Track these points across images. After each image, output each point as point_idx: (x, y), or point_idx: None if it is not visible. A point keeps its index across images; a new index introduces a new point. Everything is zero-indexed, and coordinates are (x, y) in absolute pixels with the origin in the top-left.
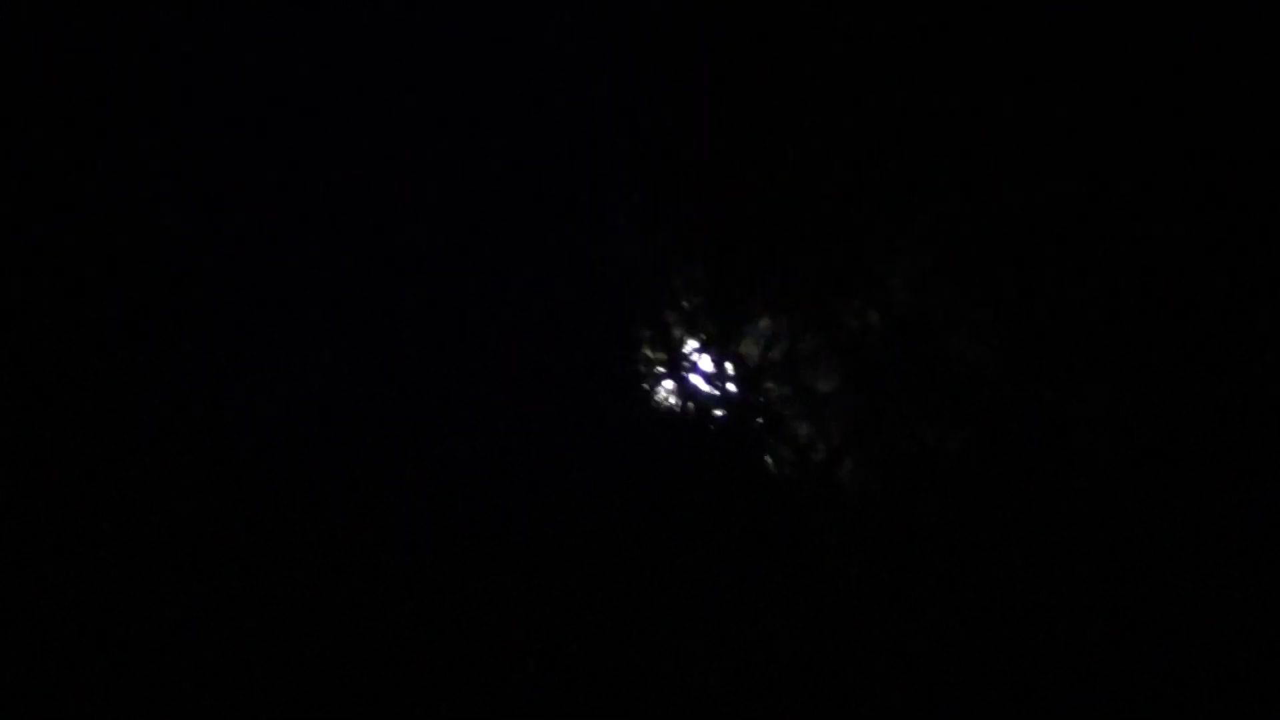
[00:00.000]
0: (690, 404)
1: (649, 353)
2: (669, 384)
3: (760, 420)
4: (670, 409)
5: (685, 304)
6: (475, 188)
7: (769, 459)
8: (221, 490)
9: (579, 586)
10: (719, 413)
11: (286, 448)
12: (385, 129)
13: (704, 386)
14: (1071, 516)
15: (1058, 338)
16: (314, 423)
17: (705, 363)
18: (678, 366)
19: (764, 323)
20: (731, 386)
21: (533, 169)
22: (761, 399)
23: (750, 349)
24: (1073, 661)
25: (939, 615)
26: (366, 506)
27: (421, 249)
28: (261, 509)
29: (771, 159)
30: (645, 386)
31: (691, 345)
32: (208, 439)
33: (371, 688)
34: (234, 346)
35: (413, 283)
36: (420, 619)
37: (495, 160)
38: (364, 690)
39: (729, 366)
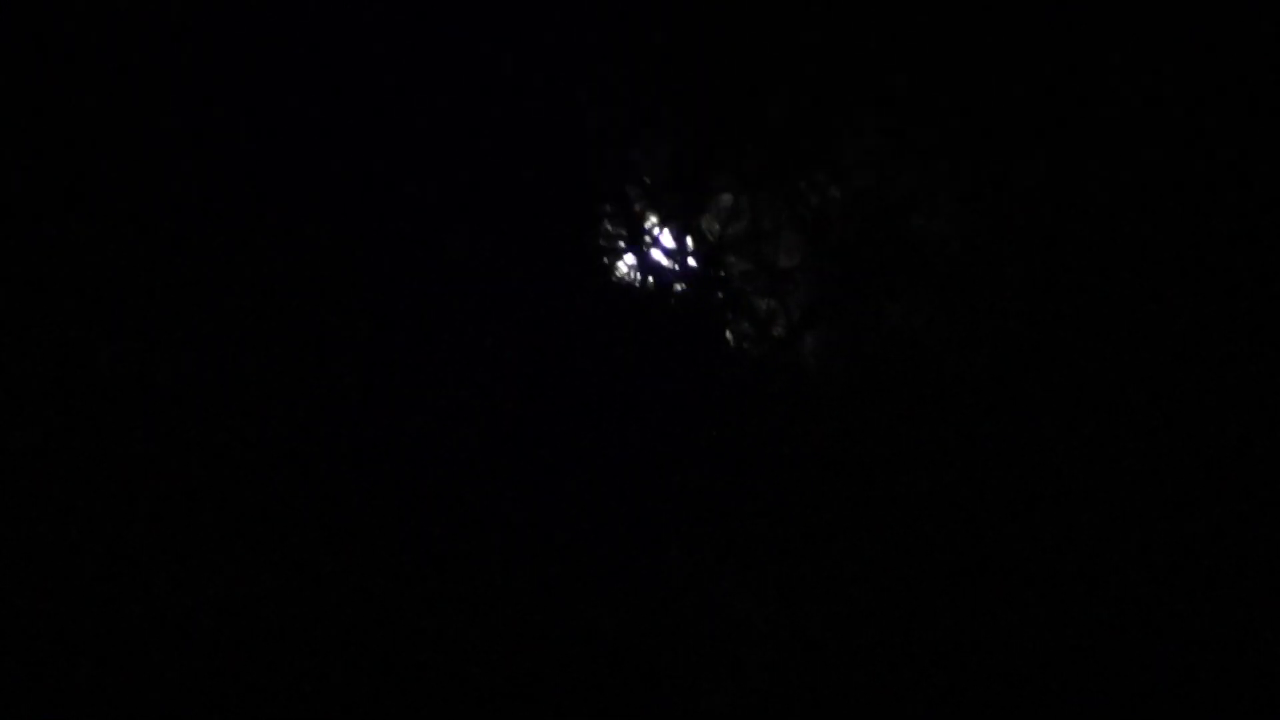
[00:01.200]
0: (650, 279)
1: (609, 227)
2: (629, 258)
3: (721, 295)
4: (631, 283)
5: (646, 179)
6: (435, 62)
7: (729, 334)
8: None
9: (536, 466)
10: (679, 287)
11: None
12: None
13: (665, 261)
14: (1037, 395)
15: (1024, 217)
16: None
17: (666, 238)
18: (638, 241)
19: (725, 198)
20: (692, 261)
21: (495, 41)
22: (722, 274)
23: (711, 224)
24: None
25: (903, 493)
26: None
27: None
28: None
29: (735, 33)
30: (605, 260)
31: (652, 220)
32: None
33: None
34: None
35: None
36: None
37: (455, 35)
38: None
39: (690, 241)
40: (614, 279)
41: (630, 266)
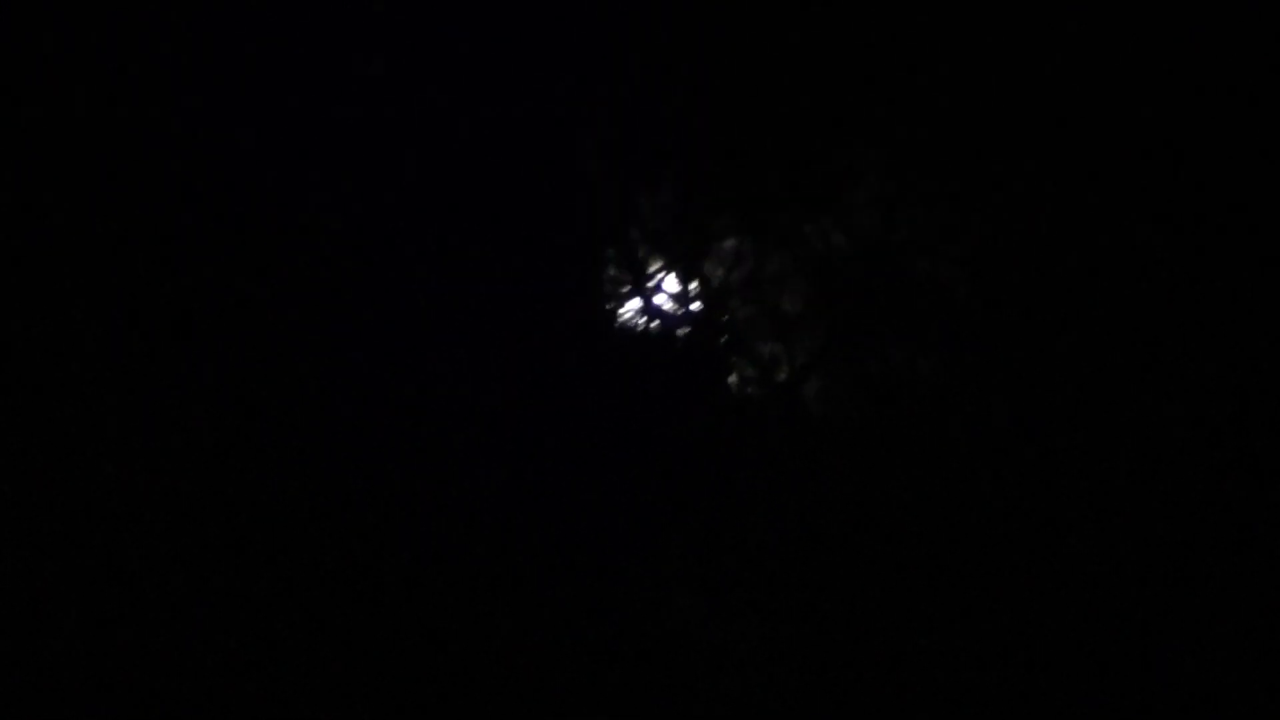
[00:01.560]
0: (654, 323)
1: (614, 272)
2: (633, 303)
3: (724, 339)
4: (634, 328)
5: (650, 223)
6: (440, 103)
7: (733, 378)
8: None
9: (537, 505)
10: (682, 331)
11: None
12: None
13: (668, 305)
14: (1044, 438)
15: (1028, 261)
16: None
17: (670, 282)
18: (642, 286)
19: (729, 243)
20: (695, 306)
21: (498, 87)
22: (726, 318)
23: (715, 269)
24: (1044, 587)
25: (905, 534)
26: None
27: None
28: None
29: (739, 79)
30: (609, 306)
31: (656, 264)
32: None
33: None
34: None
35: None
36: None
37: (460, 76)
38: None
39: (694, 286)
40: (617, 323)
41: (633, 310)
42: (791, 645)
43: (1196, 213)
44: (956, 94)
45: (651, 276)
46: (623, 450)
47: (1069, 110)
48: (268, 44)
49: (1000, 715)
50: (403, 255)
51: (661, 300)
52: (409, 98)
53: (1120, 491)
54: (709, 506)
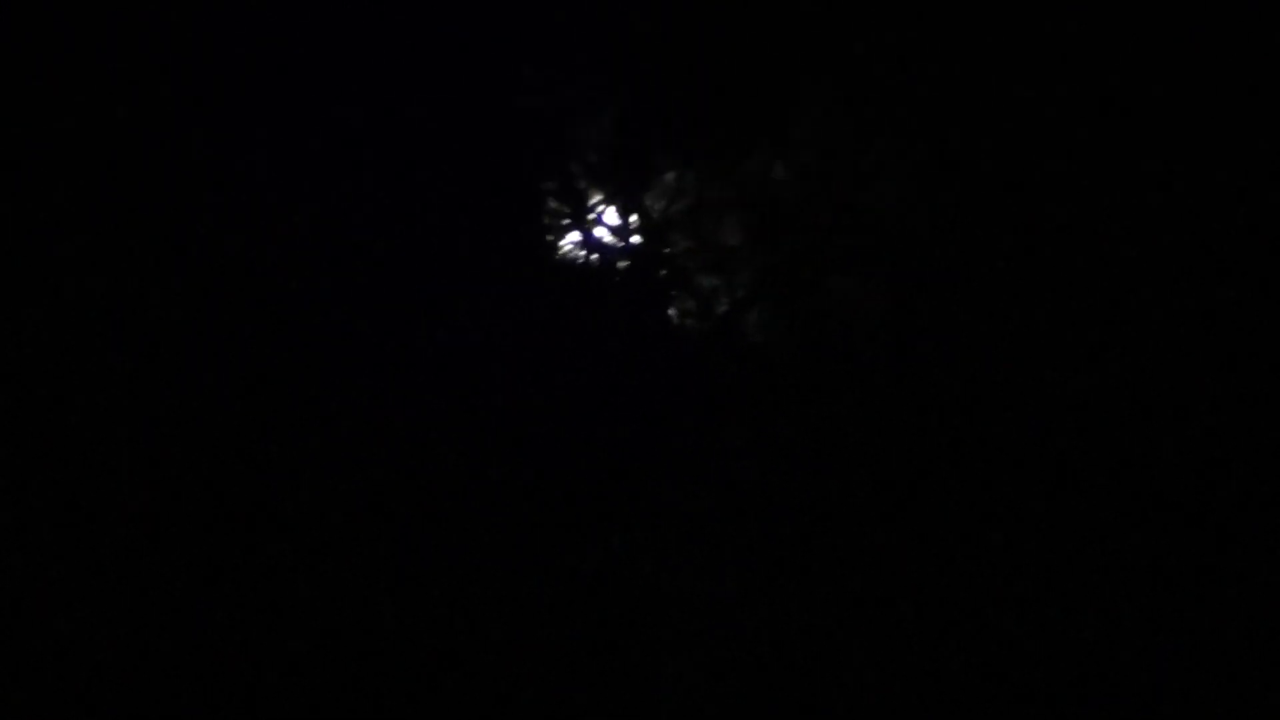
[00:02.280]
0: (595, 256)
1: (554, 204)
2: (574, 236)
3: (664, 272)
4: (575, 260)
5: (590, 157)
6: (380, 39)
7: (672, 311)
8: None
9: (480, 441)
10: (623, 265)
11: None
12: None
13: (609, 239)
14: (985, 372)
15: (966, 191)
16: None
17: (610, 215)
18: (582, 219)
19: (669, 176)
20: (636, 239)
21: (439, 20)
22: (666, 251)
23: (655, 201)
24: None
25: (847, 470)
26: None
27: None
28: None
29: (680, 8)
30: (550, 238)
31: (596, 198)
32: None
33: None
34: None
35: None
36: None
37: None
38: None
39: (634, 219)
40: (558, 256)
41: (574, 244)
42: (735, 581)
43: (1150, 150)
44: (900, 25)
45: (591, 209)
46: (565, 386)
47: (1015, 43)
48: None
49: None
50: (345, 193)
51: (601, 233)
52: (349, 32)
53: (1057, 432)
54: (650, 441)
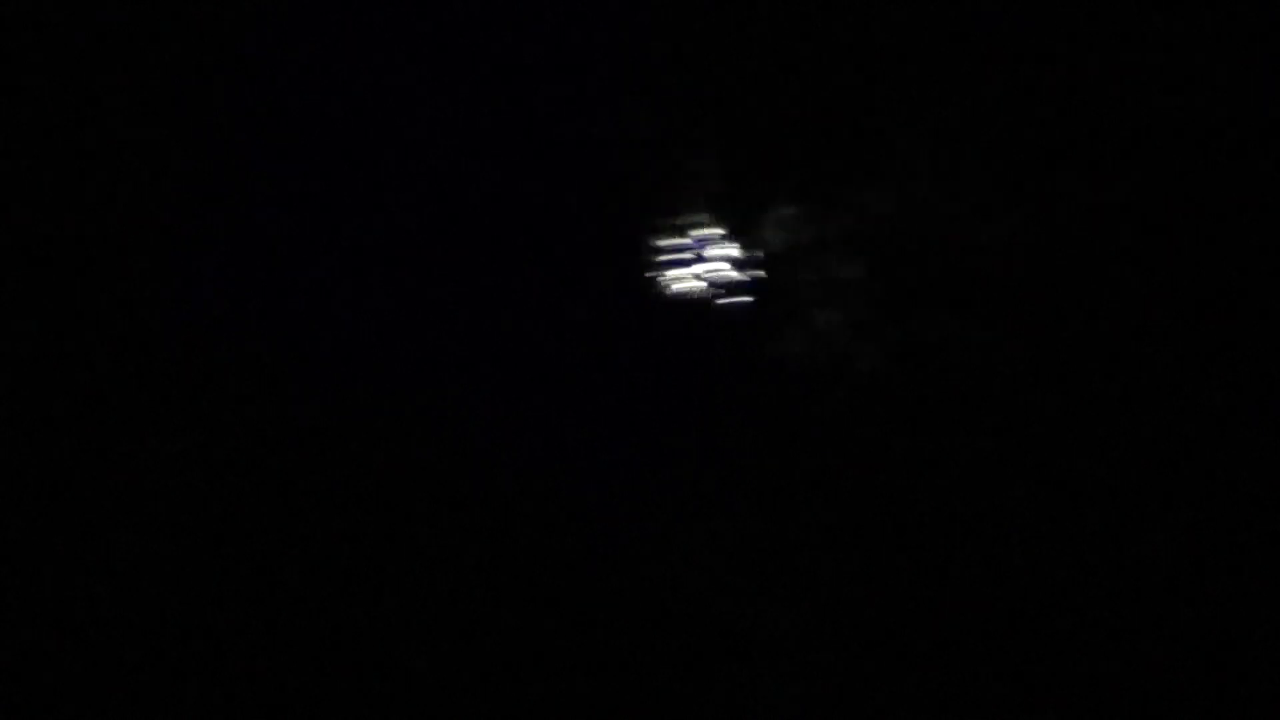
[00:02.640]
0: (711, 290)
1: (669, 239)
2: (689, 269)
3: (781, 307)
4: (690, 294)
5: (706, 190)
6: (491, 82)
7: (790, 345)
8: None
9: (590, 475)
10: (738, 299)
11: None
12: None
13: (726, 272)
14: (1092, 410)
15: (1083, 232)
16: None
17: (727, 249)
18: (699, 253)
19: (786, 210)
20: (753, 273)
21: (549, 61)
22: (782, 286)
23: (772, 236)
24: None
25: (958, 506)
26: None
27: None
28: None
29: (795, 41)
30: (666, 271)
31: (711, 231)
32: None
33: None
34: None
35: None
36: None
37: (511, 55)
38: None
39: (751, 253)
40: (674, 289)
41: (689, 277)
42: (839, 626)
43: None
44: (1008, 69)
45: (707, 242)
46: (681, 420)
47: (1114, 89)
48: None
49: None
50: (466, 222)
51: (718, 267)
52: (456, 76)
53: (1173, 465)
54: (764, 477)
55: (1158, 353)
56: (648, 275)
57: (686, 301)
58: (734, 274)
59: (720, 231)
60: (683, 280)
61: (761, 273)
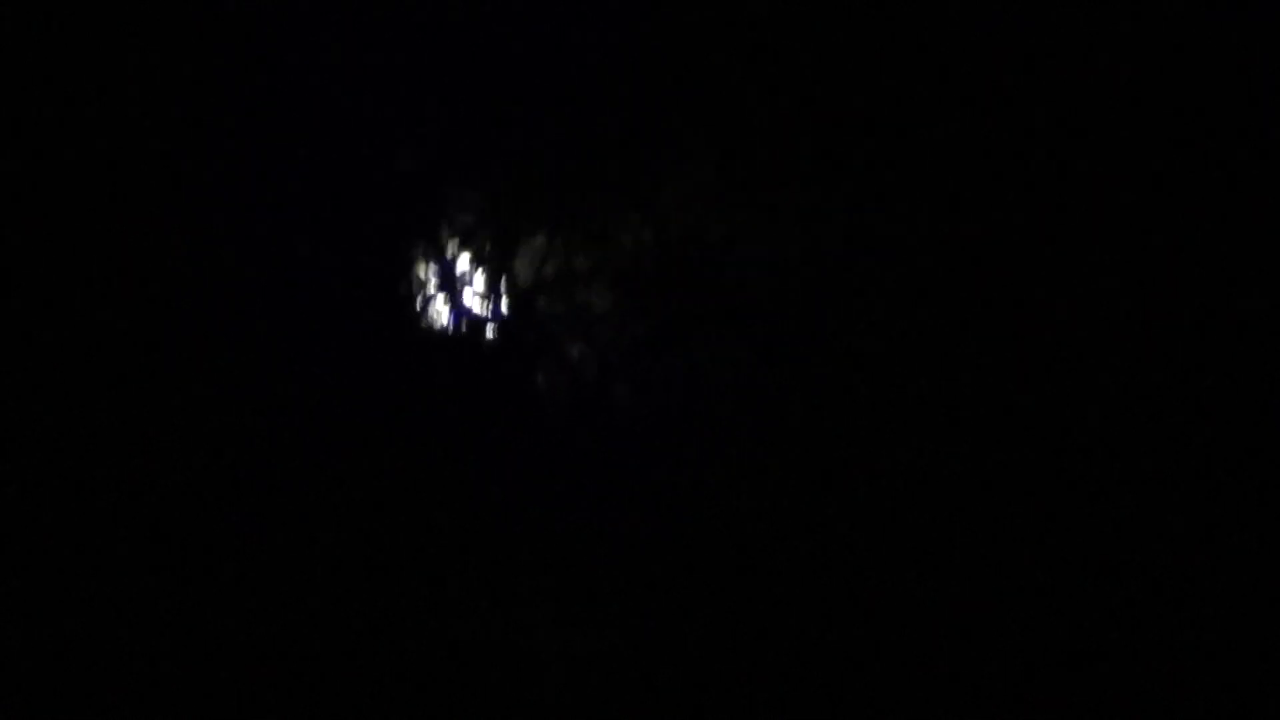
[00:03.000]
0: (463, 321)
1: (421, 270)
2: (440, 300)
3: (532, 338)
4: (442, 327)
5: (459, 220)
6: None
7: (540, 377)
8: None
9: (348, 506)
10: (491, 331)
11: None
12: None
13: (476, 305)
14: (854, 428)
15: (835, 254)
16: None
17: (478, 280)
18: (450, 284)
19: (538, 240)
20: (504, 304)
21: (310, 85)
22: (534, 317)
23: (523, 267)
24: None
25: (717, 532)
26: None
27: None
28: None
29: (547, 76)
30: (418, 304)
31: (464, 261)
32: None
33: None
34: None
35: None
36: None
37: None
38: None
39: (503, 283)
40: (426, 322)
41: (441, 308)
42: (601, 647)
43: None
44: (771, 97)
45: (460, 274)
46: (432, 450)
47: (887, 113)
48: None
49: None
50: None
51: (469, 298)
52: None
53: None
54: (518, 508)
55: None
56: (401, 305)
57: (439, 332)
58: (485, 304)
59: (471, 261)
60: (435, 310)
61: (513, 303)
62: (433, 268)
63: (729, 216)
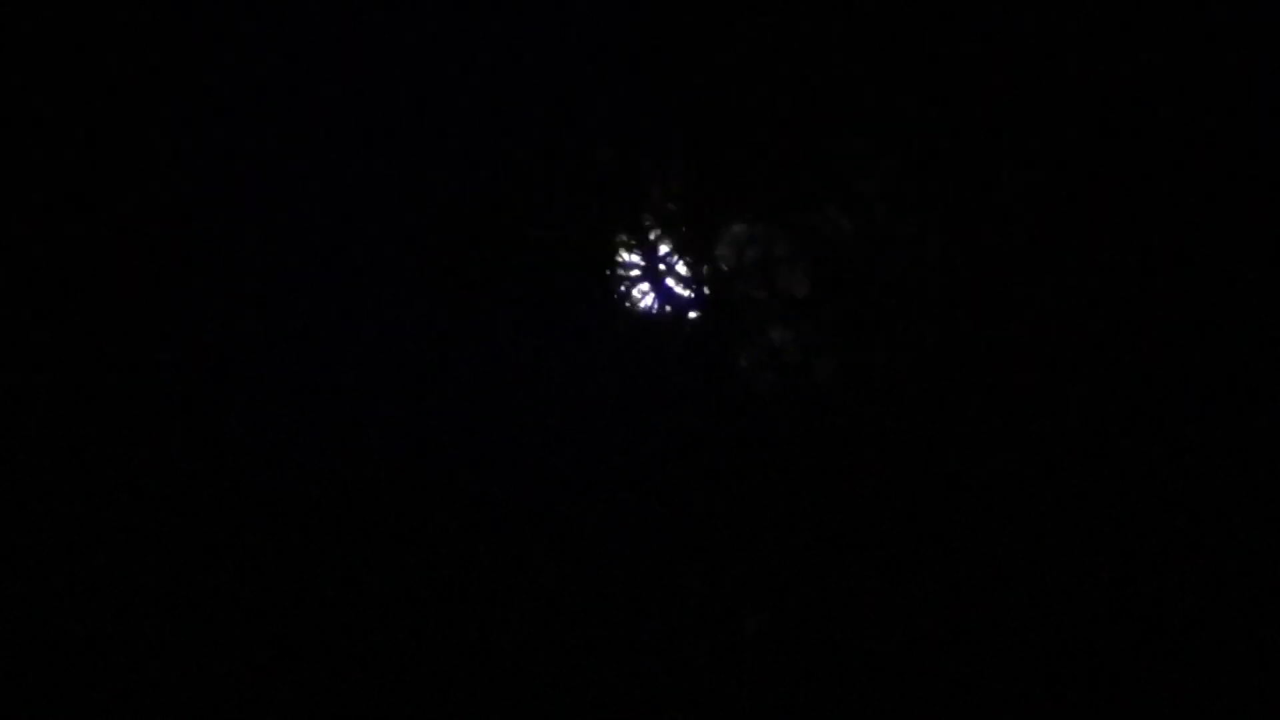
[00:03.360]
0: (667, 307)
1: (626, 256)
2: (645, 287)
3: (735, 323)
4: (647, 311)
5: (662, 209)
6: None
7: (743, 361)
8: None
9: (549, 493)
10: (694, 315)
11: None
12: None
13: (680, 290)
14: (1046, 417)
15: (1028, 242)
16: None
17: (681, 267)
18: (654, 271)
19: (739, 228)
20: (707, 290)
21: (510, 81)
22: (736, 302)
23: (726, 254)
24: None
25: (913, 517)
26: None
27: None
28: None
29: (748, 64)
30: (623, 289)
31: (667, 250)
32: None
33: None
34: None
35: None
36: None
37: (474, 75)
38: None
39: (705, 270)
40: (630, 307)
41: (645, 294)
42: (800, 636)
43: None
44: (964, 90)
45: (663, 261)
46: (636, 434)
47: (1072, 106)
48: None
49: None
50: (419, 246)
51: (673, 284)
52: (418, 90)
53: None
54: (721, 490)
55: (1113, 356)
56: (607, 293)
57: (643, 318)
58: (689, 290)
59: (674, 249)
60: (639, 296)
61: (715, 289)
62: (636, 255)
63: (922, 209)
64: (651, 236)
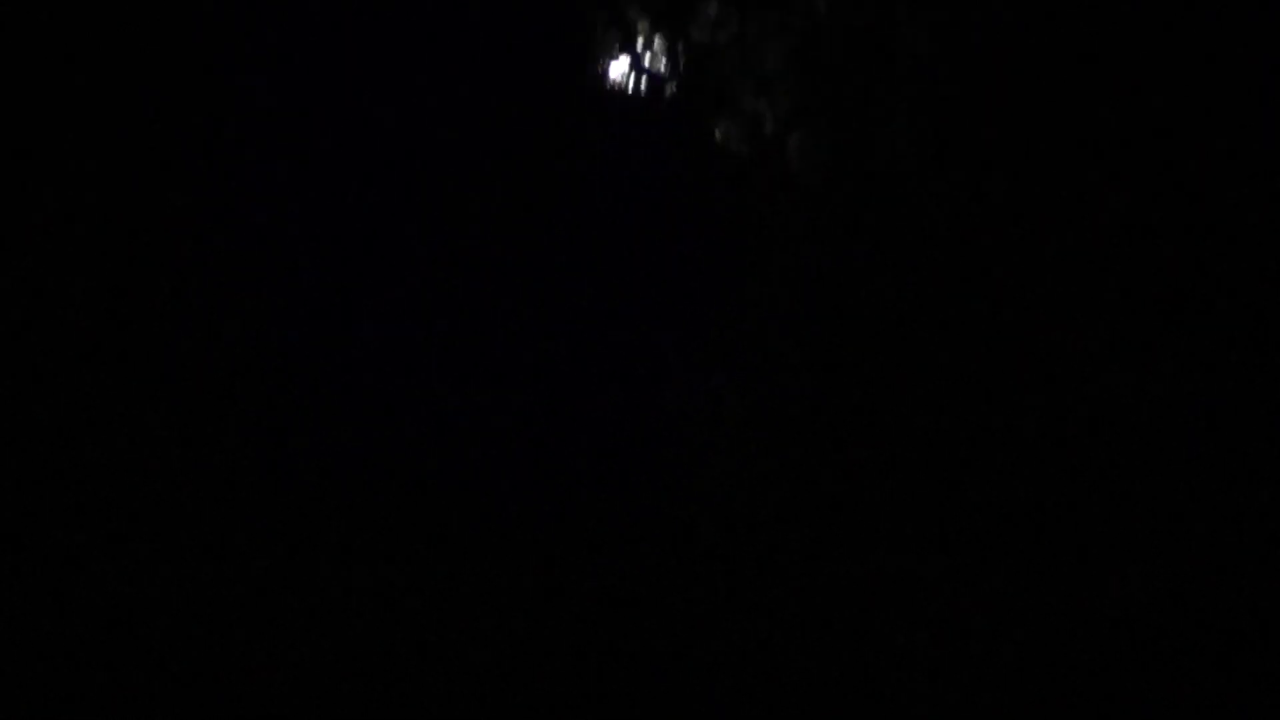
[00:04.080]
0: (643, 80)
1: (601, 31)
2: (622, 60)
3: (710, 95)
4: (623, 84)
5: None
6: None
7: (718, 133)
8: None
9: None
10: (670, 88)
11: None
12: None
13: (656, 65)
14: (1011, 217)
15: (1012, 44)
16: None
17: (657, 42)
18: (631, 44)
19: (713, 6)
20: (682, 64)
21: None
22: (711, 76)
23: (701, 30)
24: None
25: (877, 300)
26: None
27: None
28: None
29: None
30: (599, 62)
31: (643, 24)
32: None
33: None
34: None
35: None
36: None
37: None
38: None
39: (680, 45)
40: (606, 80)
41: (622, 69)
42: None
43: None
44: None
45: (640, 35)
46: (611, 201)
47: None
48: None
49: None
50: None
51: (649, 59)
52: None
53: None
54: (697, 253)
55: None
56: (582, 66)
57: (619, 91)
58: (665, 66)
59: (649, 24)
60: (616, 71)
61: (691, 63)
62: (612, 29)
63: None
64: (628, 13)
